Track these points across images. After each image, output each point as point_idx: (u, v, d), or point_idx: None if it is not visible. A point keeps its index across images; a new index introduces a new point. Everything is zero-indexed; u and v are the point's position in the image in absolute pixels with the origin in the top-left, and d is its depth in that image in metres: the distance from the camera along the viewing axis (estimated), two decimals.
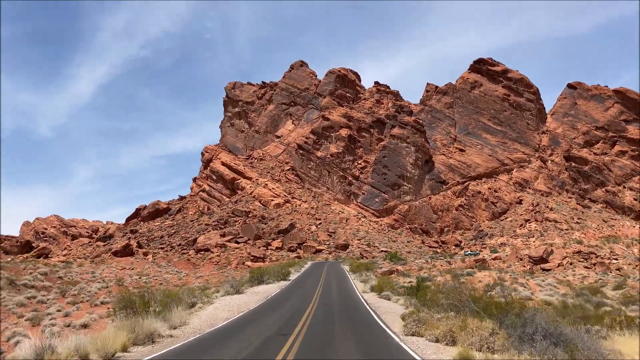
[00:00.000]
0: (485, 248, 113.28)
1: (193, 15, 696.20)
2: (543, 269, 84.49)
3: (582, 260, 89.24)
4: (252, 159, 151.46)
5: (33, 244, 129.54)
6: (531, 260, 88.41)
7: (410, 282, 35.44)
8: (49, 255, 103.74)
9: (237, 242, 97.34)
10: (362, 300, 25.61)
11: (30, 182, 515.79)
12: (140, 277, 48.92)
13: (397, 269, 48.32)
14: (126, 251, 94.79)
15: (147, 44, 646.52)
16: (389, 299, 25.23)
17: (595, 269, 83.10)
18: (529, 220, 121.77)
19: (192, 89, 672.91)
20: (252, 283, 32.88)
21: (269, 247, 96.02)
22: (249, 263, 74.79)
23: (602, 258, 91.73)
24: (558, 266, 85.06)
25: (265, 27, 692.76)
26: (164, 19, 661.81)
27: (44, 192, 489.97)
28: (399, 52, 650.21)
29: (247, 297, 25.59)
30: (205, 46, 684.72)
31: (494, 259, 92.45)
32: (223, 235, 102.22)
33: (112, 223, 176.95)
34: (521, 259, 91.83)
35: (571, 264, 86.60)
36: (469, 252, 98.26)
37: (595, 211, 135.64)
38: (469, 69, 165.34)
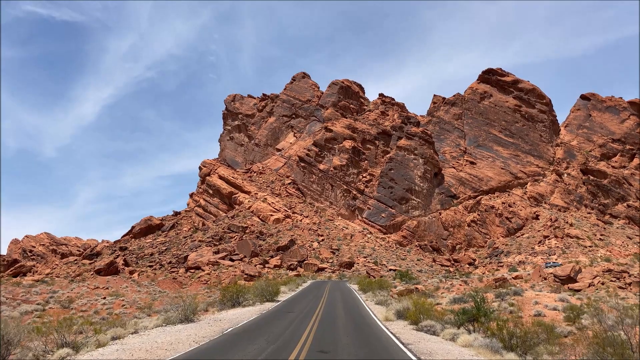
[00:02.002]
0: (502, 266, 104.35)
1: (198, 38, 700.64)
2: (572, 290, 76.06)
3: (613, 279, 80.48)
4: (251, 172, 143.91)
5: (21, 263, 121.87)
6: (557, 280, 79.76)
7: (437, 304, 27.11)
8: (26, 274, 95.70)
9: (232, 260, 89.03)
10: (392, 337, 15.87)
11: (34, 203, 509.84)
12: (104, 298, 40.80)
13: (416, 288, 39.99)
14: (110, 269, 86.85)
15: (152, 65, 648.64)
16: (434, 333, 16.14)
17: (630, 289, 74.52)
18: (548, 236, 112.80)
19: (196, 110, 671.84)
20: (224, 305, 24.47)
21: (266, 265, 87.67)
22: (242, 282, 66.50)
23: (635, 277, 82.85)
24: (589, 286, 76.28)
25: (269, 49, 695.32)
26: (169, 41, 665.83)
27: (47, 213, 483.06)
28: (401, 73, 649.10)
29: (191, 331, 16.74)
30: (209, 68, 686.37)
31: (515, 278, 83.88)
32: (217, 252, 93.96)
33: (107, 242, 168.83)
34: (545, 278, 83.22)
35: (602, 283, 77.82)
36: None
37: (617, 227, 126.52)
38: (477, 79, 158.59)
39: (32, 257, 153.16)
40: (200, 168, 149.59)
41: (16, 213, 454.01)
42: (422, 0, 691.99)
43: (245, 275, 72.27)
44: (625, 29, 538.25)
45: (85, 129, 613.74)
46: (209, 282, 69.84)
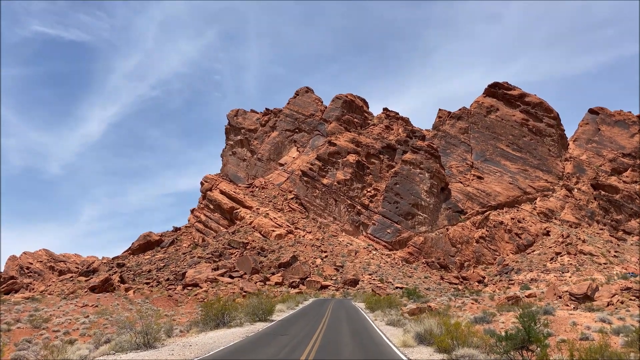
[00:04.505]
0: (513, 284, 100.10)
1: (203, 57, 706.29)
2: (589, 309, 72.03)
3: (633, 298, 76.41)
4: (253, 187, 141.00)
5: (13, 280, 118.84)
6: (573, 298, 75.60)
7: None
8: (19, 290, 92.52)
9: (231, 277, 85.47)
10: None
11: (39, 220, 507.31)
12: (87, 317, 37.51)
13: (429, 306, 36.52)
14: (105, 286, 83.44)
15: (157, 84, 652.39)
16: None
17: None
18: (561, 253, 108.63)
19: (201, 128, 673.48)
20: (206, 325, 21.02)
21: (267, 282, 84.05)
22: (240, 300, 63.03)
23: None
24: (608, 305, 72.06)
25: (273, 68, 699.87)
26: (174, 60, 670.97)
27: (52, 230, 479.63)
28: (405, 91, 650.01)
29: None
30: (214, 86, 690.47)
31: (528, 296, 79.82)
32: (216, 269, 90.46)
33: (106, 258, 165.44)
34: (560, 297, 79.12)
35: (622, 302, 73.64)
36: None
37: (631, 244, 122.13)
38: (483, 93, 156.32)
39: (29, 274, 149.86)
40: (201, 183, 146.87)
41: (21, 230, 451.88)
42: (425, 20, 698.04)
43: (244, 293, 68.74)
44: (624, 48, 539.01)
45: (90, 147, 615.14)
46: (205, 300, 66.32)
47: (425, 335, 17.57)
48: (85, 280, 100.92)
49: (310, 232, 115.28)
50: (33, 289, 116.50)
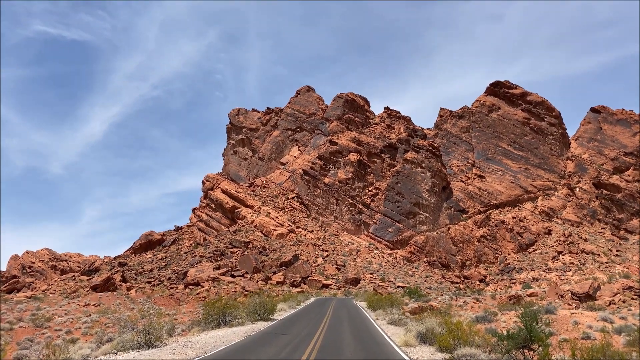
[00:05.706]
0: (514, 283, 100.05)
1: (204, 57, 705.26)
2: (590, 308, 72.07)
3: (635, 297, 76.43)
4: (254, 186, 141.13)
5: (15, 279, 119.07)
6: (575, 297, 75.62)
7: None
8: (21, 290, 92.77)
9: (233, 276, 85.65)
10: None
11: (41, 220, 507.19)
12: (89, 316, 37.62)
13: (430, 305, 36.52)
14: (107, 285, 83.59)
15: (158, 84, 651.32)
16: None
17: None
18: (562, 252, 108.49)
19: (202, 128, 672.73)
20: (208, 324, 21.02)
21: (269, 282, 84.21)
22: (242, 299, 63.20)
23: None
24: (610, 304, 72.09)
25: (274, 69, 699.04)
26: (175, 60, 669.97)
27: (54, 231, 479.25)
28: (406, 92, 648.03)
29: None
30: (216, 86, 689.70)
31: (530, 295, 79.89)
32: (217, 268, 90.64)
33: (108, 257, 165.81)
34: (562, 296, 79.18)
35: (624, 301, 73.61)
36: None
37: (633, 243, 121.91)
38: (485, 92, 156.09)
39: (31, 273, 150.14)
40: (203, 182, 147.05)
41: (23, 231, 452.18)
42: (426, 21, 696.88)
43: (246, 292, 68.84)
44: (625, 48, 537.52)
45: (92, 147, 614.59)
46: (207, 299, 66.43)
47: (426, 335, 17.61)
48: (87, 280, 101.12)
49: (311, 231, 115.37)
50: (35, 288, 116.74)
